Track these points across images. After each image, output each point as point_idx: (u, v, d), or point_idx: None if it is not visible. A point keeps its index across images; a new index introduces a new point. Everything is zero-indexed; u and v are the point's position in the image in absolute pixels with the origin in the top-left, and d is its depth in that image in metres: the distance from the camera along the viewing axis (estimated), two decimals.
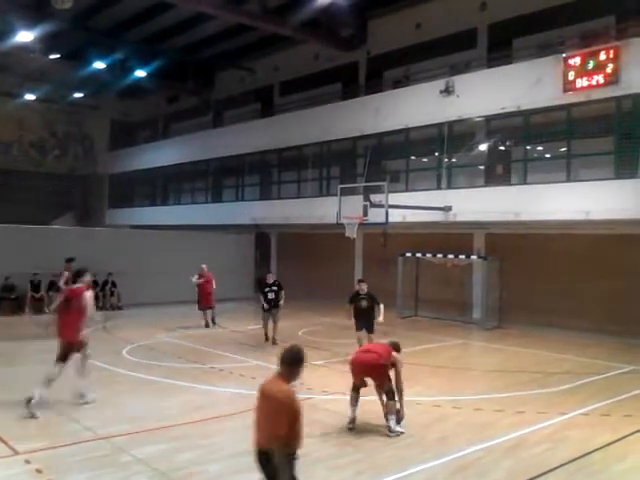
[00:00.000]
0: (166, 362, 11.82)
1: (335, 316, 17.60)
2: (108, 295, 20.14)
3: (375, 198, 16.58)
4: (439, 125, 18.28)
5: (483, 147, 17.93)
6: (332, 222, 17.41)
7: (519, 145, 17.31)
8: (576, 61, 15.31)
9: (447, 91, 17.89)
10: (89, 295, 8.82)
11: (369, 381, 7.86)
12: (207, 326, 16.60)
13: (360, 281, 12.58)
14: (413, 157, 19.89)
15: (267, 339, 14.23)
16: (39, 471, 6.16)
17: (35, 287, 18.81)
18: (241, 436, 7.41)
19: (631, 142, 14.74)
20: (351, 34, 23.79)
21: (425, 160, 20.02)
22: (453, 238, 19.24)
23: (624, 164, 14.79)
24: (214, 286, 16.70)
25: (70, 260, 15.83)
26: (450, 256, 18.50)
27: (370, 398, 7.93)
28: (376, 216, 16.24)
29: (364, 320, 11.95)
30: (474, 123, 17.99)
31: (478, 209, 16.87)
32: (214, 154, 27.10)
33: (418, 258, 19.43)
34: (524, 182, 16.68)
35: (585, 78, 15.10)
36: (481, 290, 18.10)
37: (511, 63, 17.58)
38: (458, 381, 10.93)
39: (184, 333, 15.54)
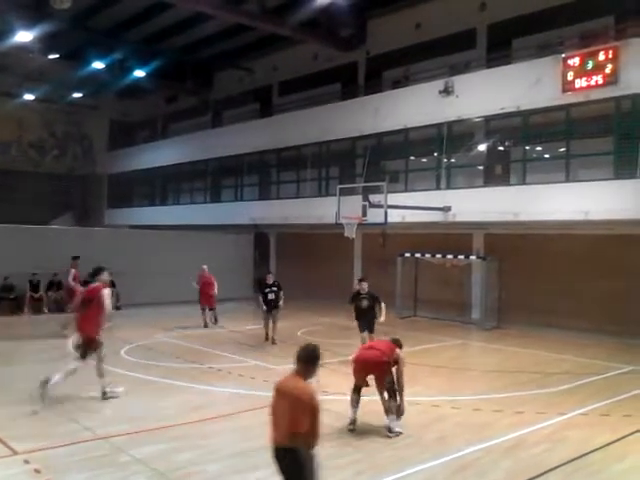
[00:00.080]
0: (164, 362, 11.81)
1: (334, 316, 17.64)
2: None
3: (374, 198, 16.57)
4: (438, 125, 18.28)
5: (482, 147, 17.93)
6: (331, 222, 17.40)
7: (518, 145, 17.30)
8: (575, 61, 15.31)
9: (446, 91, 17.90)
10: (107, 293, 8.96)
11: (370, 381, 7.83)
12: (206, 326, 16.58)
13: (361, 280, 12.26)
14: (412, 157, 19.89)
15: (267, 339, 14.24)
16: (38, 471, 6.15)
17: (34, 287, 18.76)
18: (239, 436, 7.44)
19: (630, 142, 14.71)
20: (350, 34, 23.76)
21: (424, 160, 20.01)
22: (452, 238, 19.24)
23: (623, 164, 14.78)
24: (216, 290, 16.62)
25: (76, 258, 16.45)
26: (449, 256, 18.49)
27: (371, 398, 7.91)
28: (375, 216, 16.23)
29: (365, 320, 11.74)
30: (473, 123, 17.99)
31: (477, 209, 16.87)
32: (213, 154, 27.09)
33: (417, 258, 19.41)
34: (523, 182, 16.69)
35: (584, 78, 15.10)
36: (480, 290, 18.11)
37: (510, 63, 17.58)
38: (457, 381, 10.92)
39: (182, 333, 15.53)
